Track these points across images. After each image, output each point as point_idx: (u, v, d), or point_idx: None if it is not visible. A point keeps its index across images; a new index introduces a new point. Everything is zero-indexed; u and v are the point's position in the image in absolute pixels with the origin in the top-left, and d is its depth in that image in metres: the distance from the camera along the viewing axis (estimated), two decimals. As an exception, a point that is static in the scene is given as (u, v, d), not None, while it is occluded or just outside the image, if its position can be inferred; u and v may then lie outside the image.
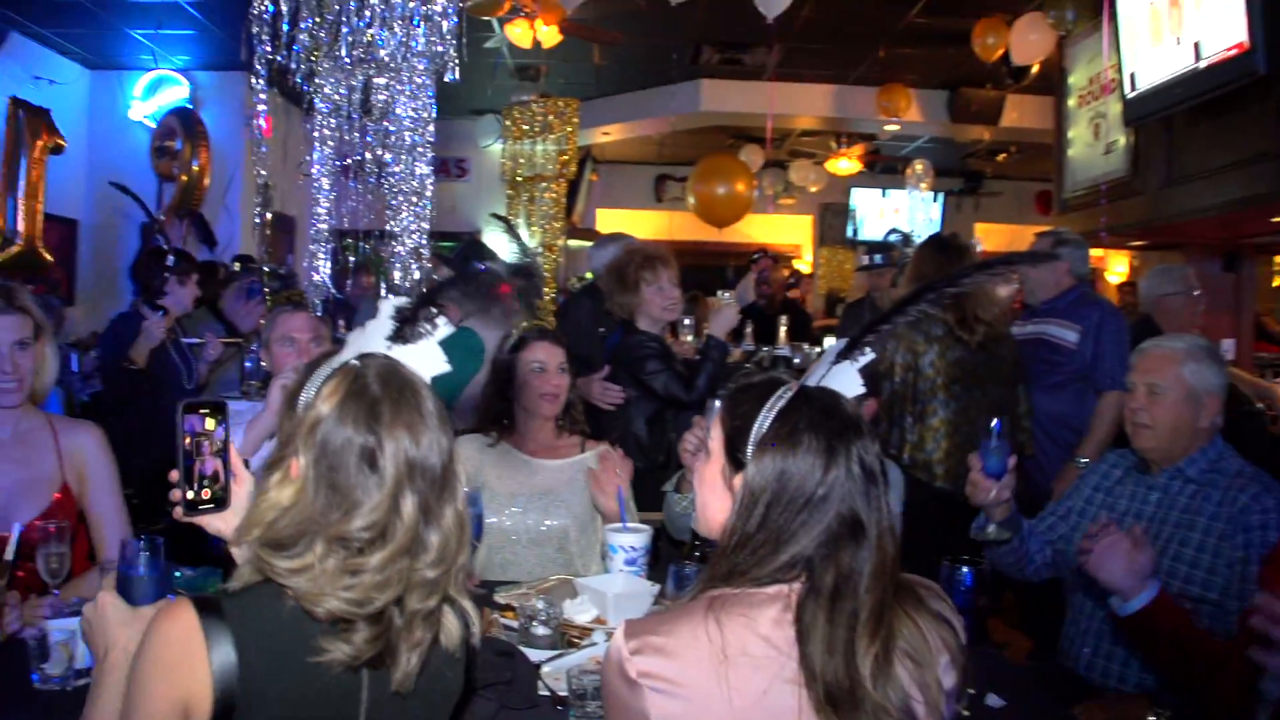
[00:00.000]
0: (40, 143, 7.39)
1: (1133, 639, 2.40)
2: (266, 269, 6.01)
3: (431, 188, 2.50)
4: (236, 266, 6.43)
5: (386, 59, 2.34)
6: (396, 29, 2.33)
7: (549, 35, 6.89)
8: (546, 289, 8.02)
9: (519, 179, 8.13)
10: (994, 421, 2.64)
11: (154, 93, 8.54)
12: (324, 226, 2.59)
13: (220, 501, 1.73)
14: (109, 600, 1.70)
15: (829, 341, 6.84)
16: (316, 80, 2.39)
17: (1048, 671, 2.72)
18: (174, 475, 1.72)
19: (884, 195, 12.97)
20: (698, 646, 1.41)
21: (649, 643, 1.43)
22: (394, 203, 2.47)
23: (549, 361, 3.24)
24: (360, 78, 2.40)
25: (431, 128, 2.45)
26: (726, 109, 9.45)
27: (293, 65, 2.39)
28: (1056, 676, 2.66)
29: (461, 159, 10.83)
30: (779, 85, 8.85)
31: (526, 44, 6.99)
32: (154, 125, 8.41)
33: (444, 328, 1.64)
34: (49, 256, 7.67)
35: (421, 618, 1.49)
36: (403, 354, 1.58)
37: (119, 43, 8.01)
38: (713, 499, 1.61)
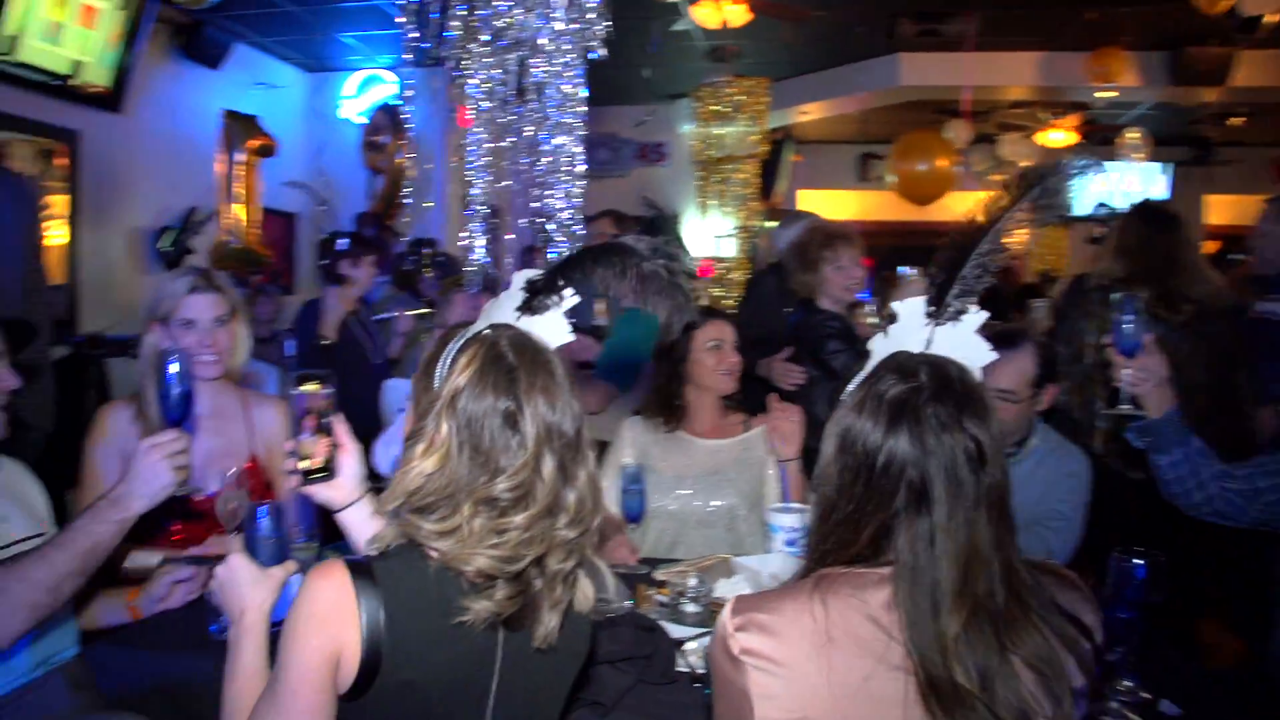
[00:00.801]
0: (250, 145, 7.93)
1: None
2: (430, 251, 6.26)
3: (583, 165, 2.51)
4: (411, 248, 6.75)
5: (535, 40, 2.37)
6: (544, 12, 2.35)
7: (737, 14, 6.84)
8: (740, 271, 7.99)
9: (710, 161, 8.10)
10: (1122, 297, 2.47)
11: (364, 91, 8.97)
12: (481, 208, 2.64)
13: (329, 472, 1.81)
14: (240, 562, 1.81)
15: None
16: (465, 64, 2.44)
17: (1244, 680, 2.51)
18: (288, 446, 1.82)
19: (1101, 169, 12.22)
20: (801, 626, 1.38)
21: (754, 620, 1.40)
22: (550, 180, 2.50)
23: (725, 339, 3.23)
24: (511, 59, 2.43)
25: (584, 107, 2.45)
26: (925, 83, 9.12)
27: (443, 52, 2.46)
28: (1255, 685, 2.45)
29: (660, 143, 10.88)
30: (980, 55, 8.48)
31: (714, 24, 6.96)
32: (364, 121, 8.84)
33: (570, 299, 1.66)
34: (267, 252, 8.20)
35: (561, 578, 1.57)
36: (530, 324, 1.62)
37: (331, 46, 8.45)
38: None
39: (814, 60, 9.26)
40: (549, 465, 1.53)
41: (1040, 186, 1.60)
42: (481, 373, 1.54)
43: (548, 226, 2.48)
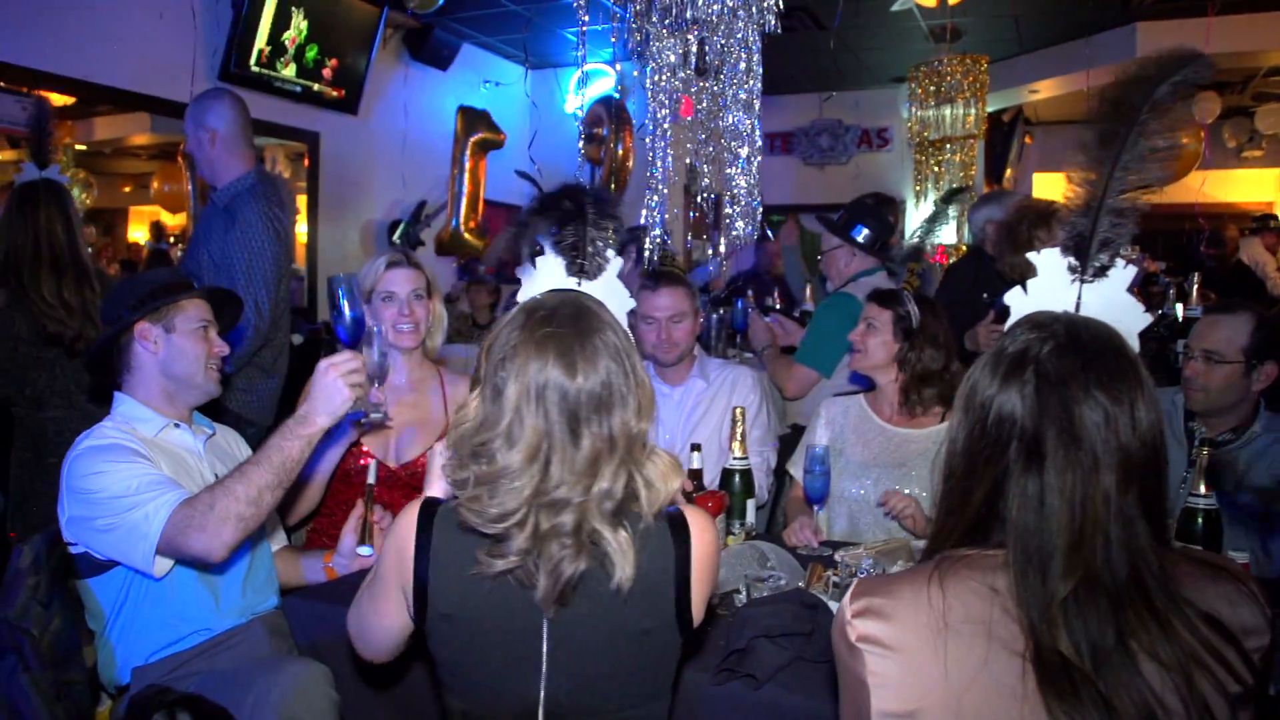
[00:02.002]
0: (475, 140, 8.28)
1: None
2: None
3: (761, 145, 2.50)
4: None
5: (712, 18, 2.38)
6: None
7: (956, -10, 6.63)
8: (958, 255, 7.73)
9: (926, 142, 7.87)
10: None
11: (585, 85, 9.20)
12: (664, 190, 2.67)
13: None
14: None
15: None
16: (651, 44, 2.48)
17: None
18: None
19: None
20: (918, 611, 1.32)
21: (872, 605, 1.36)
22: (728, 157, 2.51)
23: (876, 319, 3.16)
24: (691, 38, 2.46)
25: (757, 84, 2.45)
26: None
27: (625, 34, 2.50)
28: None
29: (883, 128, 10.66)
30: (1226, 20, 7.83)
31: (932, 2, 6.76)
32: (583, 115, 9.06)
33: (615, 262, 1.78)
34: (481, 241, 8.56)
35: (556, 537, 1.58)
36: (592, 289, 1.75)
37: (552, 43, 8.71)
38: None
39: (1043, 35, 8.82)
40: (530, 421, 1.57)
41: (1177, 77, 1.38)
42: (501, 330, 1.65)
43: (726, 205, 2.48)
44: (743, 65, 2.40)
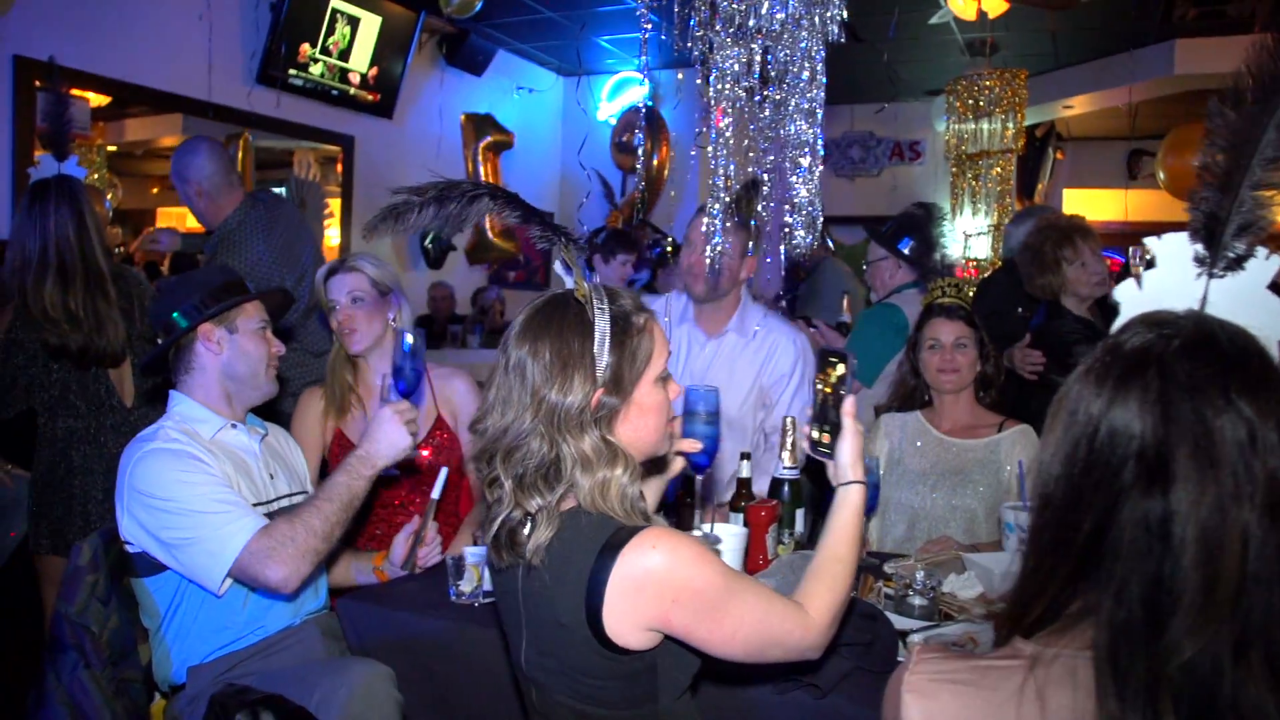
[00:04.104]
0: (484, 144, 8.33)
1: None
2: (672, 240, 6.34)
3: (822, 153, 2.50)
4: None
5: (773, 28, 2.38)
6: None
7: (995, 4, 6.59)
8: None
9: (963, 156, 7.85)
10: None
11: (618, 93, 9.22)
12: (724, 196, 2.67)
13: (831, 450, 1.92)
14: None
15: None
16: (711, 54, 2.48)
17: None
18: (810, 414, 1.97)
19: None
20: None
21: (937, 692, 1.16)
22: (784, 165, 2.51)
23: (944, 338, 3.16)
24: (755, 47, 2.45)
25: (820, 93, 2.44)
26: (1206, 71, 8.42)
27: (687, 43, 2.51)
28: None
29: (915, 141, 10.64)
30: (1269, 38, 7.78)
31: (971, 16, 6.74)
32: (615, 123, 9.08)
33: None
34: (509, 244, 8.58)
35: (498, 513, 1.73)
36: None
37: (587, 50, 8.72)
38: None
39: (1079, 51, 8.78)
40: (496, 396, 1.71)
41: None
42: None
43: (788, 215, 2.47)
44: (806, 74, 2.39)
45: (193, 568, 2.28)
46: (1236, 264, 1.16)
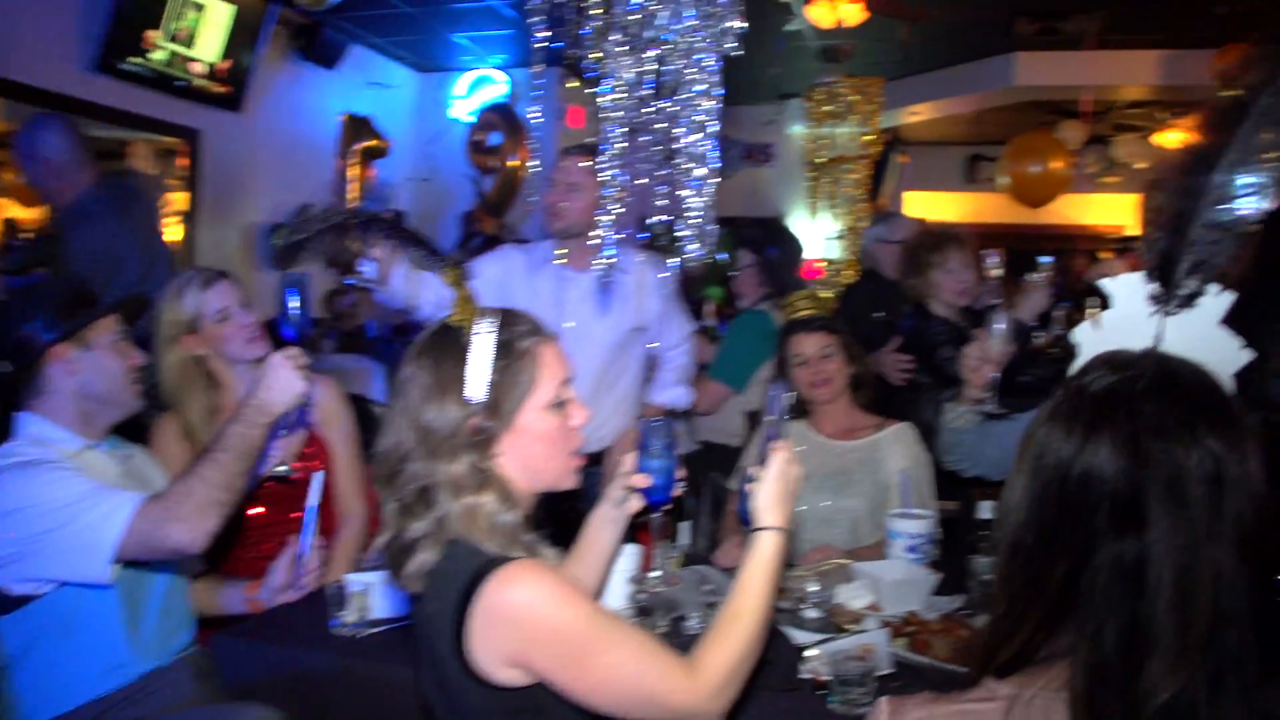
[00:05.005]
0: (360, 148, 8.14)
1: None
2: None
3: (718, 161, 2.50)
4: None
5: (670, 40, 2.36)
6: (683, 11, 2.34)
7: (852, 13, 6.75)
8: (850, 272, 7.91)
9: (820, 162, 8.04)
10: None
11: (474, 91, 9.06)
12: (616, 207, 2.64)
13: None
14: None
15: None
16: (602, 62, 2.45)
17: None
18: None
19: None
20: None
21: None
22: (681, 179, 2.49)
23: (808, 351, 3.23)
24: (648, 57, 2.43)
25: (717, 104, 2.44)
26: (1042, 83, 8.85)
27: (579, 52, 2.47)
28: None
29: (767, 144, 10.79)
30: (1100, 54, 8.22)
31: (829, 24, 6.88)
32: (472, 121, 8.92)
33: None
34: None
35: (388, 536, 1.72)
36: None
37: (443, 46, 8.56)
38: None
39: (927, 60, 9.07)
40: (388, 417, 1.72)
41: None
42: None
43: (677, 227, 2.46)
44: (701, 86, 2.38)
45: (73, 562, 2.11)
46: (1189, 301, 1.20)
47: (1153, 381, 1.12)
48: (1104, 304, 1.27)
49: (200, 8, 6.53)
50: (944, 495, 3.26)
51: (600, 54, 2.41)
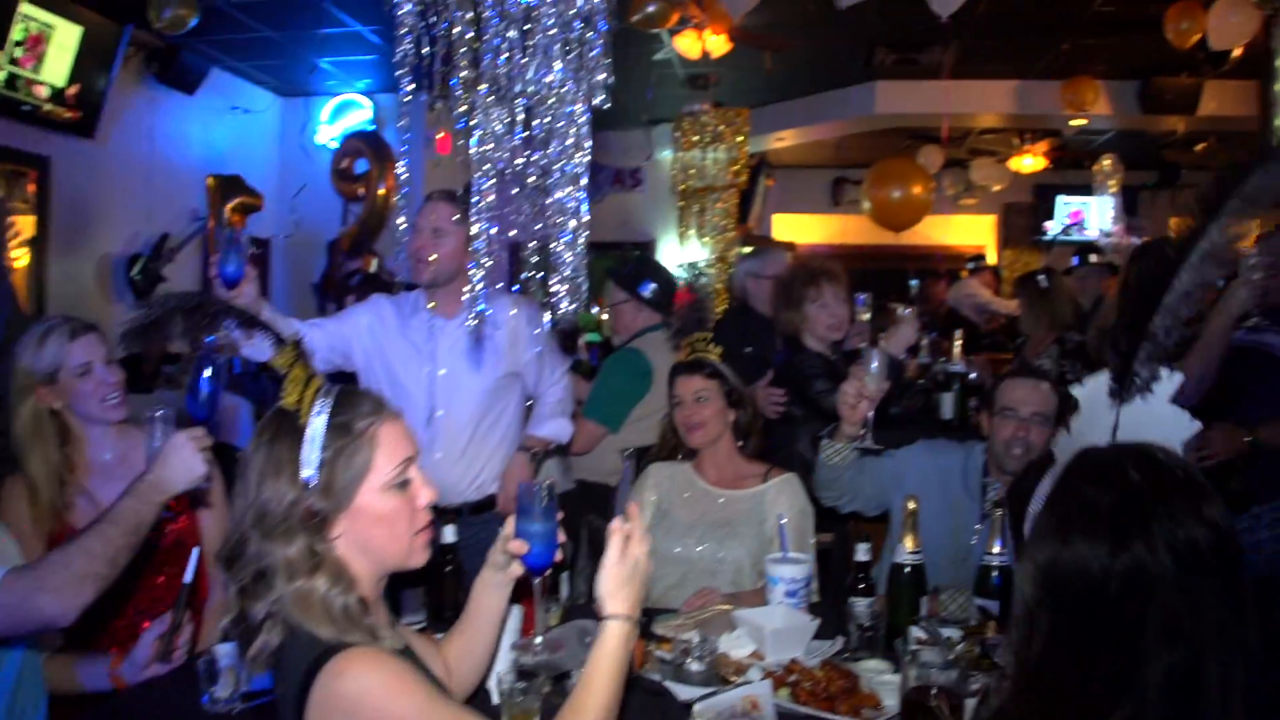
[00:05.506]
0: (232, 205, 7.95)
1: None
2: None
3: (587, 214, 2.49)
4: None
5: (539, 91, 2.35)
6: (552, 64, 2.33)
7: (718, 44, 6.86)
8: (719, 301, 8.00)
9: (690, 190, 8.13)
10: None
11: (339, 116, 8.90)
12: (486, 260, 2.60)
13: None
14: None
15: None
16: (473, 112, 2.42)
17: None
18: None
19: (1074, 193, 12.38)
20: None
21: None
22: (553, 232, 2.48)
23: (683, 394, 3.23)
24: (518, 105, 2.41)
25: (586, 157, 2.43)
26: (902, 111, 9.21)
27: (443, 100, 2.44)
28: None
29: (636, 169, 10.87)
30: (956, 84, 8.58)
31: (695, 54, 6.98)
32: (337, 147, 8.75)
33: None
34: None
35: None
36: None
37: (307, 71, 8.39)
38: None
39: (792, 88, 9.31)
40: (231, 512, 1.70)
41: (1241, 193, 1.29)
42: None
43: (552, 283, 2.44)
44: (570, 140, 2.37)
45: None
46: (1146, 386, 1.28)
47: (1150, 482, 1.14)
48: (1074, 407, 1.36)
49: (47, 30, 6.25)
50: (820, 528, 3.30)
51: (467, 106, 2.37)
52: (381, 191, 8.35)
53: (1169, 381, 1.29)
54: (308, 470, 1.62)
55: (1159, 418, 1.26)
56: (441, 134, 7.88)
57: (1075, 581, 1.12)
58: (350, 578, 1.67)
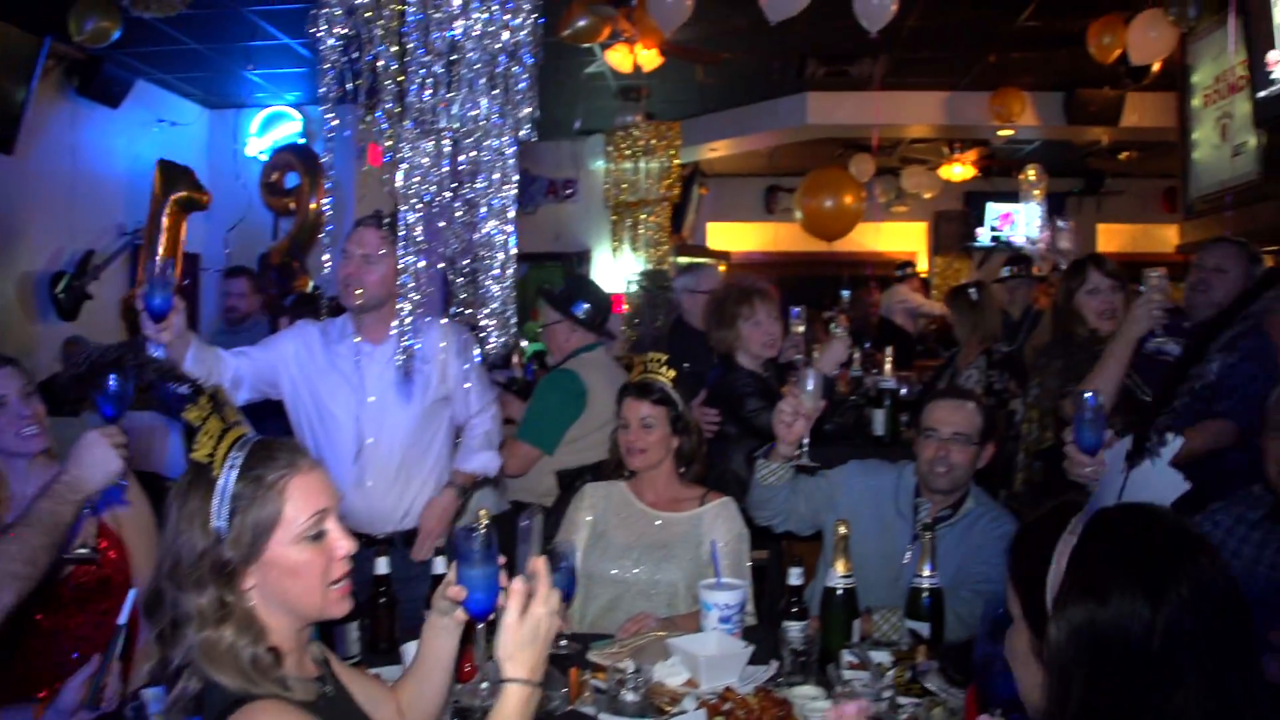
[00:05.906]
0: (176, 198, 7.73)
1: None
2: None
3: (515, 247, 2.48)
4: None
5: (464, 125, 2.34)
6: (478, 99, 2.32)
7: (649, 59, 6.88)
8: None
9: (622, 204, 8.14)
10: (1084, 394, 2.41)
11: (268, 129, 8.79)
12: (414, 294, 2.58)
13: None
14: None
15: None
16: (399, 146, 2.40)
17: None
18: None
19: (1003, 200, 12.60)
20: None
21: None
22: (481, 267, 2.47)
23: (630, 417, 3.22)
24: (444, 139, 2.40)
25: (514, 190, 2.43)
26: (833, 121, 9.30)
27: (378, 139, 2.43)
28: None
29: (570, 180, 10.84)
30: (887, 95, 8.70)
31: (627, 69, 6.99)
32: (266, 160, 8.62)
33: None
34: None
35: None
36: None
37: (235, 83, 8.28)
38: (1027, 677, 1.35)
39: (724, 99, 9.37)
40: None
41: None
42: None
43: (480, 317, 2.43)
44: (497, 175, 2.36)
45: None
46: (1157, 450, 1.38)
47: (1169, 534, 1.20)
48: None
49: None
50: (756, 545, 3.31)
51: (393, 140, 2.36)
52: (313, 206, 8.23)
53: (1174, 444, 1.40)
54: (218, 521, 1.62)
55: (1161, 479, 1.37)
56: (372, 145, 7.80)
57: (1117, 641, 1.14)
58: (260, 628, 1.65)
